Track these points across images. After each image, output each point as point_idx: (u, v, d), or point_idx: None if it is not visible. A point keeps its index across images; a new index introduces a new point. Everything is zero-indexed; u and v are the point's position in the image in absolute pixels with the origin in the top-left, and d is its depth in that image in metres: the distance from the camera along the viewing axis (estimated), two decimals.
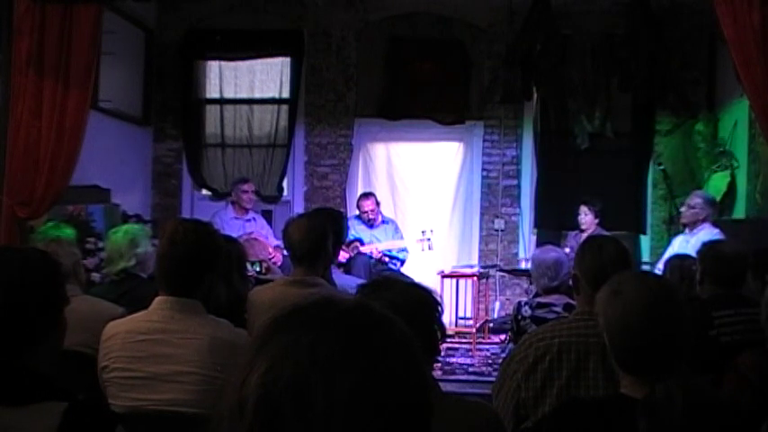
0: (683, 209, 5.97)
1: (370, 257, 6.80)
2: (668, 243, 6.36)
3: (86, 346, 2.80)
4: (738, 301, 3.21)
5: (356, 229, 6.94)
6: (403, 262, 7.15)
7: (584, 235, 6.43)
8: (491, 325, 7.22)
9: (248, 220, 7.12)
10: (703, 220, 5.71)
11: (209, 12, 8.06)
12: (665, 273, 4.06)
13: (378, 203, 7.22)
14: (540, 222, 8.04)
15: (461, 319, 7.35)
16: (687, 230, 5.82)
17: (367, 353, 0.82)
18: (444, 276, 6.78)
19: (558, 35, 7.61)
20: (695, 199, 5.84)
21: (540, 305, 3.76)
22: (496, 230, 8.08)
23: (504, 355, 5.37)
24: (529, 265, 6.93)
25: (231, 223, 6.85)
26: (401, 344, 0.85)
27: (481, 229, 8.12)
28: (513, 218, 8.10)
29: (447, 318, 6.77)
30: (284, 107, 8.30)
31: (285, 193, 8.30)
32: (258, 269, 6.14)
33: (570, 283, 2.76)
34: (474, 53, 8.11)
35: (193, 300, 2.45)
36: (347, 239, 5.94)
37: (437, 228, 7.66)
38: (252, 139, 8.40)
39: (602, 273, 2.30)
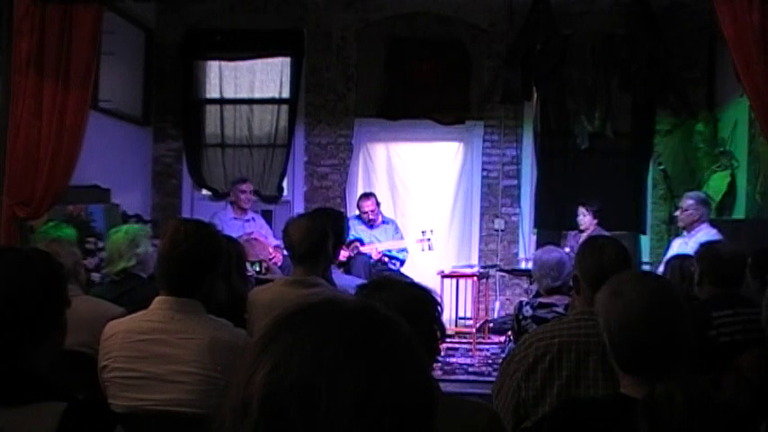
0: (677, 213, 5.84)
1: (370, 258, 6.80)
2: (668, 244, 6.33)
3: (86, 346, 2.80)
4: (737, 302, 3.21)
5: (356, 230, 6.92)
6: (403, 262, 7.15)
7: (584, 235, 6.42)
8: (491, 325, 7.22)
9: (247, 221, 7.11)
10: (699, 221, 5.60)
11: (209, 12, 8.06)
12: (664, 273, 4.05)
13: (378, 204, 7.20)
14: (539, 222, 8.03)
15: (461, 319, 7.35)
16: (685, 233, 5.71)
17: (372, 353, 0.82)
18: (444, 276, 6.78)
19: (557, 35, 7.61)
20: (687, 201, 5.71)
21: (542, 305, 3.76)
22: (496, 230, 8.08)
23: (504, 355, 5.37)
24: (529, 265, 6.95)
25: (230, 224, 6.83)
26: (406, 345, 0.86)
27: (481, 229, 8.12)
28: (513, 218, 8.10)
29: (447, 318, 6.77)
30: (284, 107, 8.30)
31: (285, 193, 8.30)
32: (258, 269, 6.13)
33: (571, 283, 2.76)
34: (474, 53, 8.11)
35: (194, 300, 2.45)
36: (347, 239, 5.93)
37: (437, 228, 7.65)
38: (252, 139, 8.39)
39: (602, 273, 2.30)
